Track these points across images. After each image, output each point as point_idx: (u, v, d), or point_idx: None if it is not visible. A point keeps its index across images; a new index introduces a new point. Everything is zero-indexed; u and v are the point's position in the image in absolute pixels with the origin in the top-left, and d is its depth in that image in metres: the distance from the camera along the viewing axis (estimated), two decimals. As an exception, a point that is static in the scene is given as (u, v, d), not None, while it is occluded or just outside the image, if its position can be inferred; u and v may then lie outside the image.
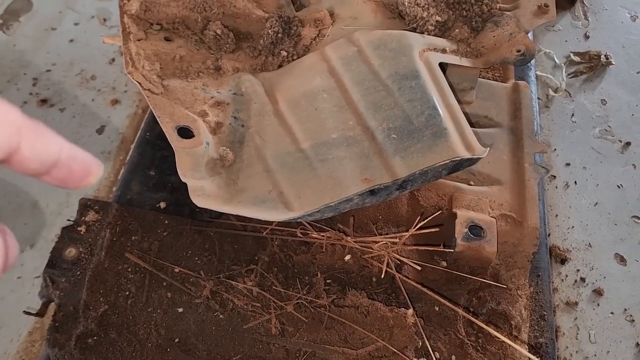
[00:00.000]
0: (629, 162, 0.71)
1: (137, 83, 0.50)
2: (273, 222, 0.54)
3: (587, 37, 0.83)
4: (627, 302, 0.60)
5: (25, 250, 0.60)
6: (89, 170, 0.25)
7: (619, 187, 0.68)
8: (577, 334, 0.58)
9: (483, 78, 0.66)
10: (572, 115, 0.75)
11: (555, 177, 0.69)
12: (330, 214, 0.47)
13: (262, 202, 0.46)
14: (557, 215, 0.66)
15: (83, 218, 0.55)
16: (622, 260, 0.63)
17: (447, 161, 0.45)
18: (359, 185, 0.45)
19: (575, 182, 0.69)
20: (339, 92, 0.51)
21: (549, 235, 0.63)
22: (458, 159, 0.45)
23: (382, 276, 0.52)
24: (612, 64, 0.79)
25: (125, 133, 0.69)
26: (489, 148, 0.47)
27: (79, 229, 0.55)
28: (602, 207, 0.67)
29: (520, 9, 0.59)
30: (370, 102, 0.50)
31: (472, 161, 0.47)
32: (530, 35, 0.76)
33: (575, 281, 0.61)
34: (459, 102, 0.61)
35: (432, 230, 0.52)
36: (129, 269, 0.52)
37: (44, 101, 0.72)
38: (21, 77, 0.74)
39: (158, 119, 0.48)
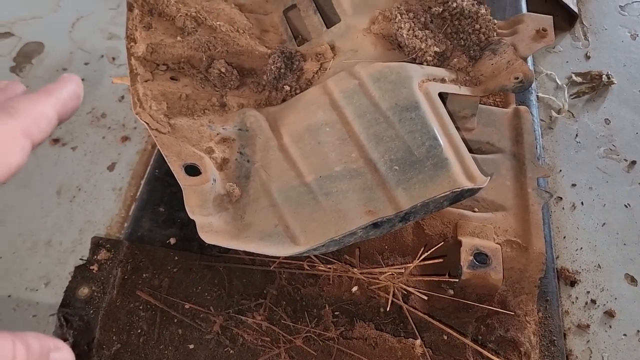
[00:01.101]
0: (635, 180, 0.71)
1: (144, 123, 0.51)
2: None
3: (588, 57, 0.84)
4: (640, 323, 0.60)
5: (40, 288, 0.61)
6: None
7: (627, 207, 0.68)
8: (590, 357, 0.57)
9: (484, 104, 0.67)
10: (576, 135, 0.75)
11: (561, 198, 0.69)
12: (335, 248, 0.48)
13: (268, 237, 0.47)
14: (565, 237, 0.65)
15: (95, 257, 0.56)
16: (632, 280, 0.62)
17: (448, 192, 0.45)
18: (363, 218, 0.46)
19: (582, 203, 0.68)
20: (341, 125, 0.52)
21: (557, 257, 0.63)
22: (459, 189, 0.45)
23: (388, 308, 0.52)
24: (614, 83, 0.79)
25: (136, 169, 0.71)
26: (489, 177, 0.48)
27: (91, 267, 0.56)
28: (610, 227, 0.67)
29: (518, 34, 0.60)
30: (372, 135, 0.51)
31: (473, 191, 0.47)
32: (530, 58, 0.77)
33: (586, 303, 0.61)
34: (461, 130, 0.62)
35: (437, 261, 0.53)
36: (141, 307, 0.53)
37: (56, 140, 0.73)
38: (34, 118, 0.76)
39: (165, 158, 0.49)
